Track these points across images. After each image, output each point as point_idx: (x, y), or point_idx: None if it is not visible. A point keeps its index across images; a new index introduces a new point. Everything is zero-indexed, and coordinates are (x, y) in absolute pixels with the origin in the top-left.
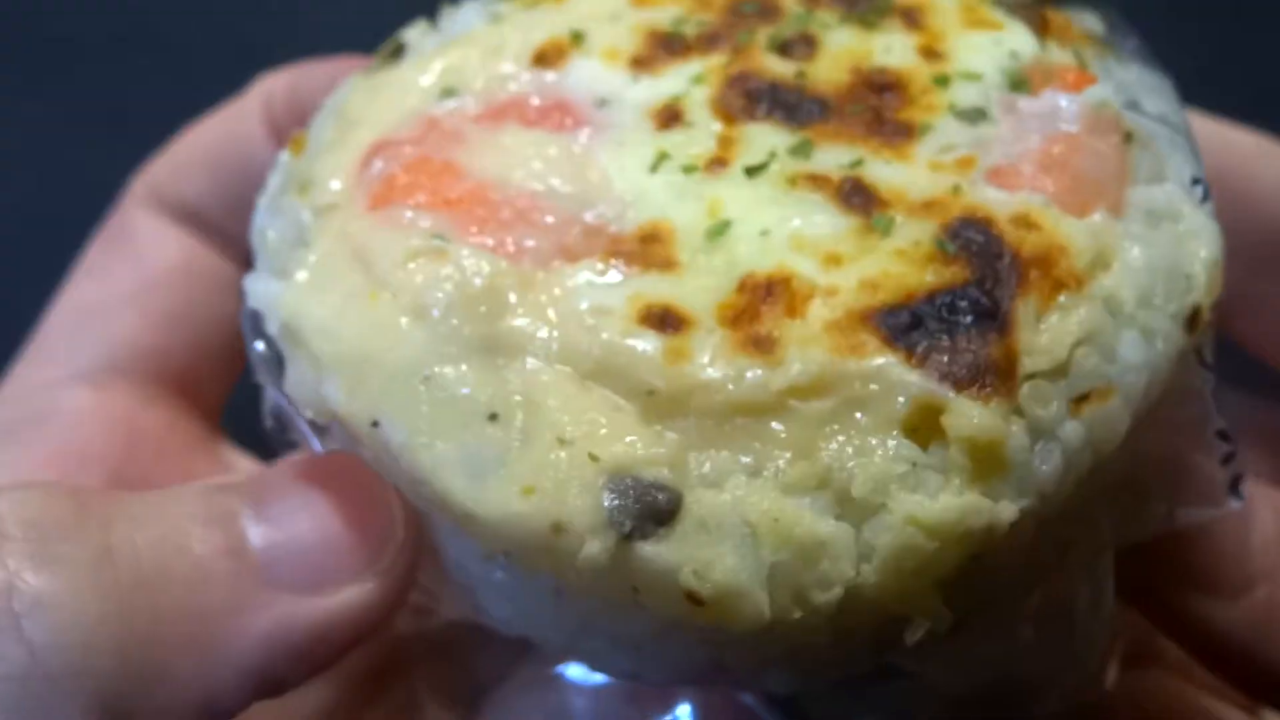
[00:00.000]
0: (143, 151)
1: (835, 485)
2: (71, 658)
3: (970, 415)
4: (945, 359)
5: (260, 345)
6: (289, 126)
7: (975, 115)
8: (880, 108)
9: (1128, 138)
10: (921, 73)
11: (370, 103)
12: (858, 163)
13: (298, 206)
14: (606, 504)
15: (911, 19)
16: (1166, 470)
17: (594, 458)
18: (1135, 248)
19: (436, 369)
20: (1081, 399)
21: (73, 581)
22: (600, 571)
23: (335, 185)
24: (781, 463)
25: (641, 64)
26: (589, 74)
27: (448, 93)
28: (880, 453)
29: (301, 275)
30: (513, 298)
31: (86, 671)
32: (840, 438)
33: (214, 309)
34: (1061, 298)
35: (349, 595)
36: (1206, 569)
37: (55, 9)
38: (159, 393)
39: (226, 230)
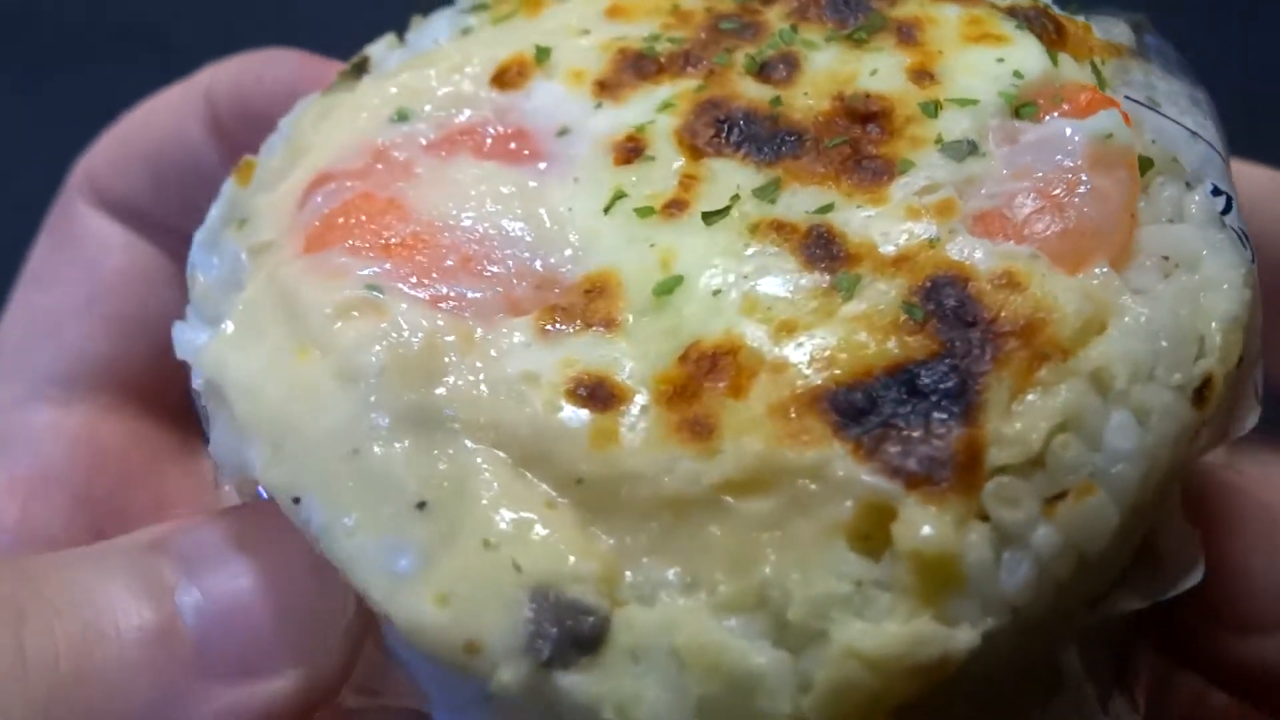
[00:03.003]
0: None
1: (773, 606)
2: None
3: (919, 524)
4: (897, 450)
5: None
6: (232, 127)
7: (965, 149)
8: (859, 140)
9: (1144, 166)
10: (909, 99)
11: (319, 127)
12: (827, 208)
13: (234, 244)
14: (524, 627)
15: (907, 35)
16: (1184, 534)
17: (518, 567)
18: (1136, 307)
19: (365, 444)
20: (1057, 497)
21: None
22: (515, 698)
23: (271, 222)
24: (718, 575)
25: (606, 89)
26: (550, 98)
27: (401, 116)
28: (820, 569)
29: (228, 326)
30: (450, 359)
31: None
32: (781, 548)
33: (168, 310)
34: (1043, 371)
35: (288, 680)
36: (1241, 608)
37: (55, 9)
38: (120, 404)
39: (171, 227)
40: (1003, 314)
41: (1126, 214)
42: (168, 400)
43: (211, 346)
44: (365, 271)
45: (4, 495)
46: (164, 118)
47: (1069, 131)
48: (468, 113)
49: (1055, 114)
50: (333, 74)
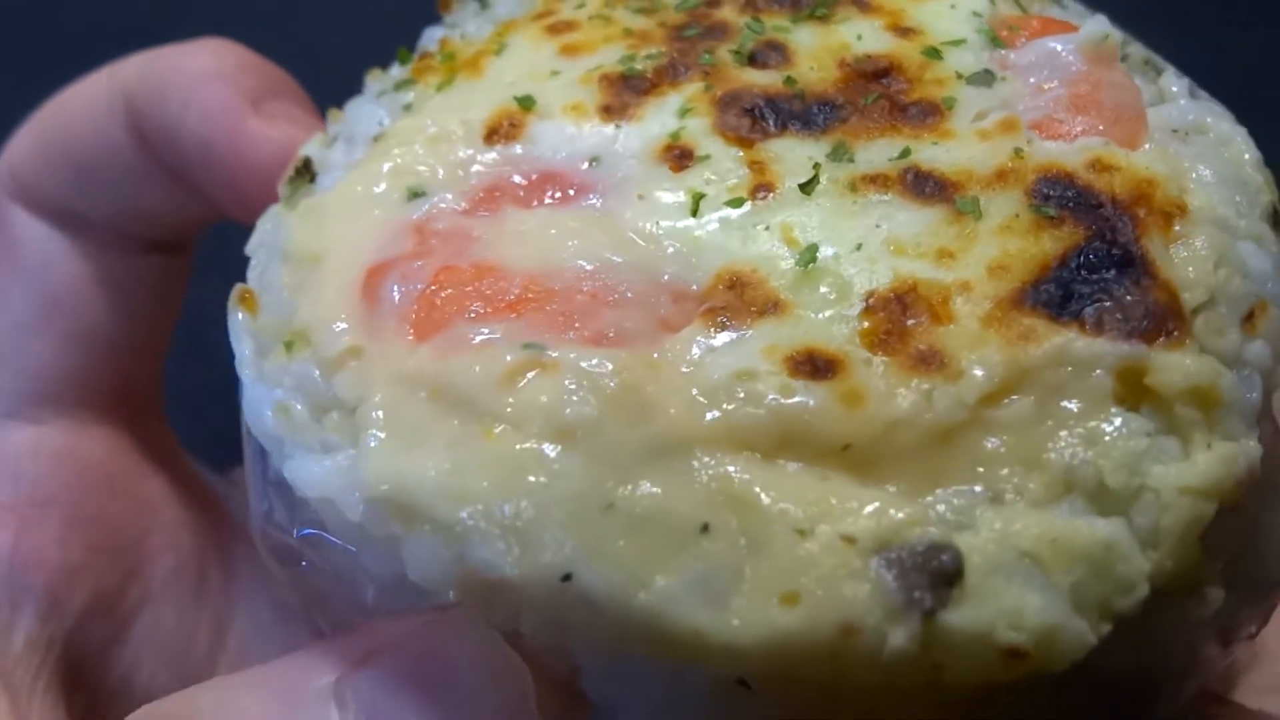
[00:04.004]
0: None
1: (1083, 483)
2: None
3: (1180, 366)
4: (1120, 317)
5: (306, 531)
6: (151, 124)
7: (986, 78)
8: (891, 93)
9: (1125, 61)
10: (908, 50)
11: (322, 231)
12: (905, 153)
13: (300, 366)
14: (894, 586)
15: (860, 3)
16: None
17: (848, 539)
18: (1200, 165)
19: (615, 495)
20: (1247, 319)
21: None
22: (906, 661)
23: (341, 327)
24: (1018, 478)
25: (614, 112)
26: (559, 137)
27: (415, 194)
28: (1112, 435)
29: (372, 441)
30: (651, 387)
31: None
32: (1062, 433)
33: (119, 312)
34: (1177, 226)
35: None
36: None
37: (55, 9)
38: (94, 417)
39: (100, 223)
40: (1116, 191)
41: (1140, 98)
42: (137, 405)
43: (373, 467)
44: (503, 334)
45: (1, 527)
46: (81, 116)
47: (1059, 47)
48: (480, 172)
49: (1022, 40)
50: (251, 61)
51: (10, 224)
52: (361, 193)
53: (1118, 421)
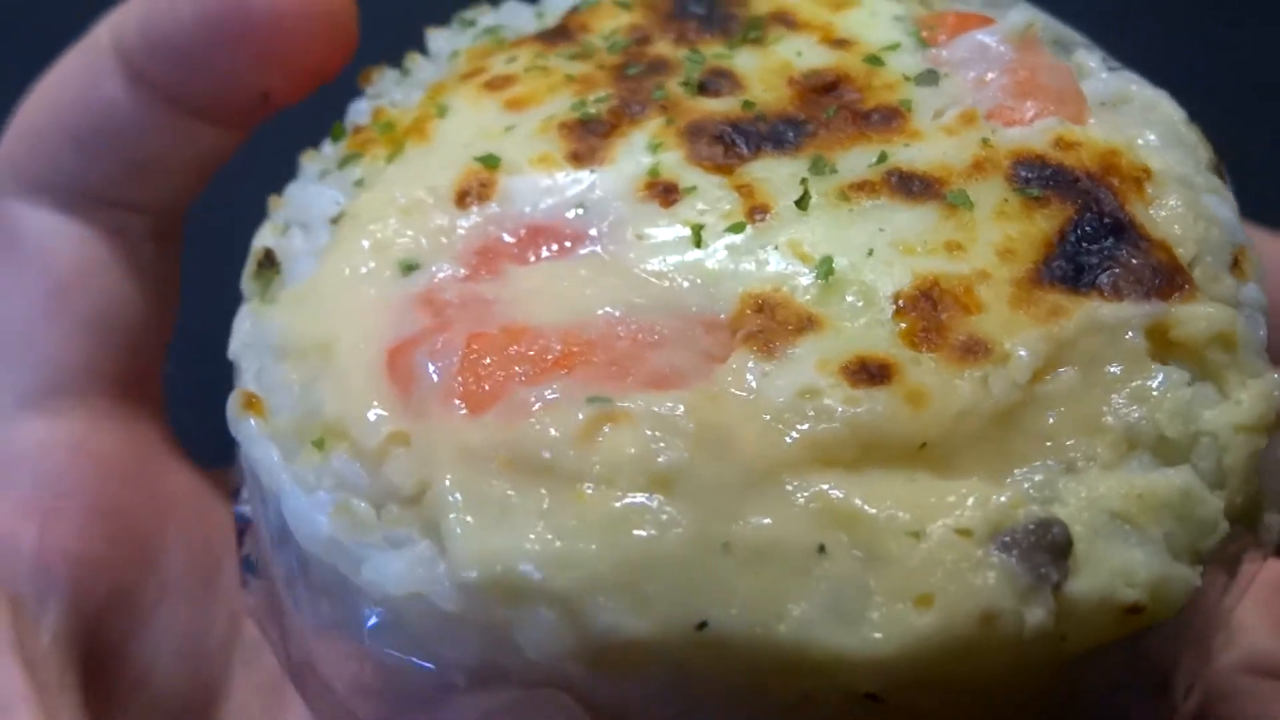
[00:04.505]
0: None
1: (1144, 439)
2: None
3: (1201, 315)
4: (1134, 280)
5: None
6: (153, 69)
7: (932, 77)
8: (848, 103)
9: (1053, 45)
10: (850, 61)
11: (319, 319)
12: (883, 157)
13: (338, 464)
14: (1020, 568)
15: (789, 22)
16: None
17: (963, 532)
18: (1143, 131)
19: (726, 533)
20: (1234, 265)
21: None
22: (1044, 638)
23: (378, 414)
24: (1083, 446)
25: (584, 158)
26: (533, 189)
27: (409, 268)
28: (1159, 390)
29: (457, 526)
30: (722, 420)
31: None
32: (1113, 396)
33: (126, 299)
34: (1149, 189)
35: None
36: None
37: (56, 10)
38: (108, 406)
39: (108, 198)
40: (1087, 165)
41: (1073, 74)
42: (147, 394)
43: (466, 550)
44: (560, 394)
45: (18, 518)
46: (72, 83)
47: (988, 39)
48: (466, 236)
49: (943, 38)
50: None
51: (12, 218)
52: (350, 275)
53: (1160, 377)
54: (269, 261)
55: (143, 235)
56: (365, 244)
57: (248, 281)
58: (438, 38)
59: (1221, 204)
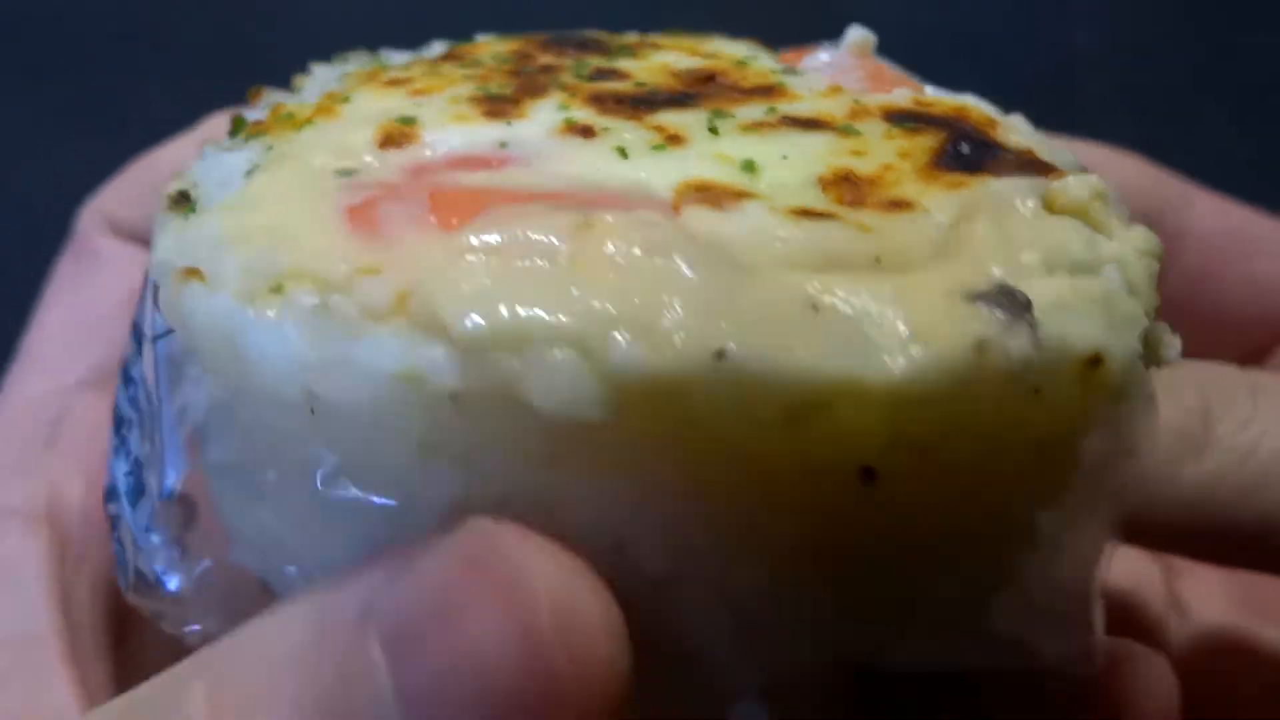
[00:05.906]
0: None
1: (1061, 263)
2: None
3: (1080, 182)
4: (1015, 163)
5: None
6: None
7: (795, 72)
8: (728, 85)
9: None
10: (721, 63)
11: (259, 211)
12: (772, 110)
13: (301, 298)
14: (997, 309)
15: (655, 46)
16: None
17: (944, 292)
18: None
19: (737, 290)
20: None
21: None
22: (1031, 369)
23: (344, 250)
24: (1013, 273)
25: (498, 115)
26: (455, 136)
27: (346, 173)
28: (1062, 228)
29: (455, 294)
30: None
31: None
32: (1025, 236)
33: None
34: (997, 131)
35: None
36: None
37: (56, 10)
38: None
39: None
40: (945, 113)
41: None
42: None
43: (473, 305)
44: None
45: (71, 474)
46: (169, 154)
47: (829, 56)
48: (396, 162)
49: (794, 62)
50: None
51: (97, 245)
52: (286, 179)
53: (1062, 220)
54: (183, 200)
55: None
56: (295, 164)
57: (161, 216)
58: (320, 68)
59: (1060, 151)
